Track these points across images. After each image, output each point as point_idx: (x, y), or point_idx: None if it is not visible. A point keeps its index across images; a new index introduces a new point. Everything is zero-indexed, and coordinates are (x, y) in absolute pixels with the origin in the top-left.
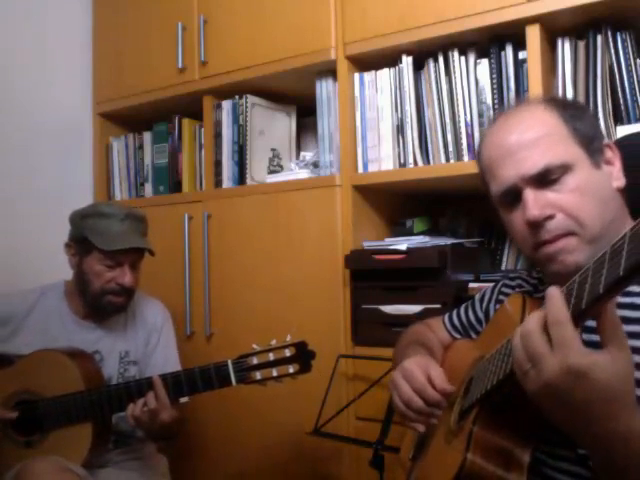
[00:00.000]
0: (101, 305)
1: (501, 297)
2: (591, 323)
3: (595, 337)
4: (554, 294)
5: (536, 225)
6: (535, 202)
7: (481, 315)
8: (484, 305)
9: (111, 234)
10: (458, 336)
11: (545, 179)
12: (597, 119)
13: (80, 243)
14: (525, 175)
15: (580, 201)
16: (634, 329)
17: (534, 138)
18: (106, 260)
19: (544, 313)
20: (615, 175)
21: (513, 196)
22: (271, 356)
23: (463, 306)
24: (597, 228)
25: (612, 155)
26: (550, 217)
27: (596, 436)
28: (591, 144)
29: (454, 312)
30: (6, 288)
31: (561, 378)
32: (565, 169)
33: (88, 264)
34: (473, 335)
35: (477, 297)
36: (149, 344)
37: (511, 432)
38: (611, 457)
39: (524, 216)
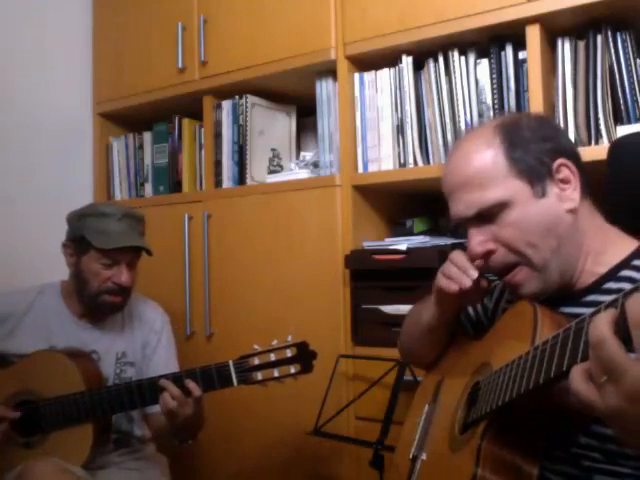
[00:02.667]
0: (98, 305)
1: (509, 297)
2: None
3: None
4: (635, 296)
5: (485, 259)
6: (475, 239)
7: (490, 305)
8: (495, 296)
9: (108, 233)
10: (465, 322)
11: (483, 217)
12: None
13: (77, 242)
14: (463, 217)
15: (519, 235)
16: None
17: (468, 178)
18: (103, 259)
19: (613, 316)
20: (568, 196)
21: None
22: (272, 356)
23: None
24: (542, 256)
25: (569, 174)
26: (491, 252)
27: None
28: (535, 173)
29: None
30: (6, 288)
31: None
32: (501, 206)
33: (85, 263)
34: (484, 321)
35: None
36: (147, 346)
37: (520, 446)
38: None
39: (468, 252)
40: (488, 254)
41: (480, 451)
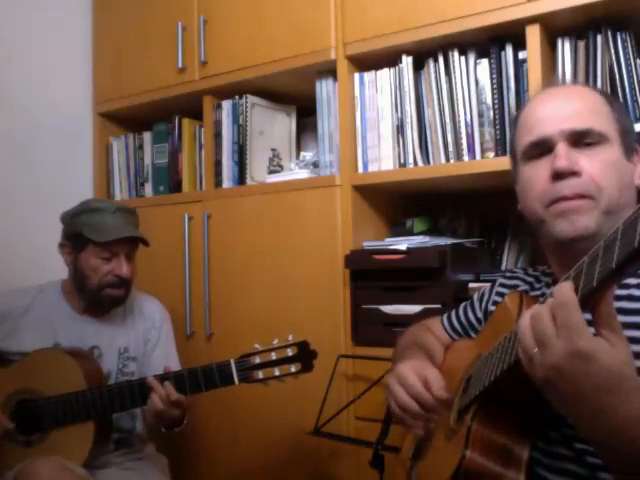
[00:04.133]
0: (100, 299)
1: (496, 298)
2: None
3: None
4: (563, 282)
5: (560, 177)
6: (567, 155)
7: (480, 315)
8: (483, 305)
9: (104, 227)
10: (457, 337)
11: (582, 141)
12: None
13: (74, 240)
14: (566, 129)
15: (607, 172)
16: (632, 320)
17: (582, 105)
18: (102, 253)
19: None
20: (637, 174)
21: (542, 149)
22: (273, 355)
23: (462, 306)
24: (614, 201)
25: (637, 158)
26: (576, 174)
27: (606, 424)
28: (627, 136)
29: (452, 313)
30: (5, 287)
31: (567, 362)
32: (603, 139)
33: (84, 260)
34: (473, 335)
35: (476, 297)
36: (148, 341)
37: (509, 428)
38: (624, 443)
39: (552, 165)
40: (571, 174)
41: (470, 433)
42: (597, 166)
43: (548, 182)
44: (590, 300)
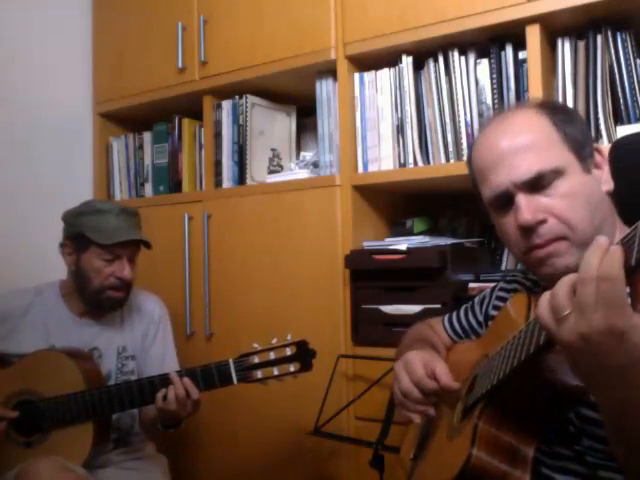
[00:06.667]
0: (101, 301)
1: (496, 302)
2: None
3: None
4: (616, 249)
5: (528, 229)
6: (528, 207)
7: (481, 318)
8: (484, 308)
9: (108, 229)
10: (457, 339)
11: (537, 184)
12: (587, 123)
13: (77, 241)
14: (517, 181)
15: (571, 206)
16: None
17: (526, 143)
18: (105, 255)
19: (600, 265)
20: (604, 179)
21: (505, 200)
22: (272, 355)
23: (462, 309)
24: (588, 232)
25: (601, 159)
26: (542, 222)
27: (619, 397)
28: (582, 149)
29: (453, 315)
30: (5, 287)
31: (599, 336)
32: (557, 174)
33: (86, 261)
34: (474, 338)
35: (477, 300)
36: (147, 337)
37: (516, 427)
38: (629, 417)
39: (516, 220)
40: (538, 224)
41: (477, 431)
42: (561, 204)
43: (519, 233)
44: (637, 270)
